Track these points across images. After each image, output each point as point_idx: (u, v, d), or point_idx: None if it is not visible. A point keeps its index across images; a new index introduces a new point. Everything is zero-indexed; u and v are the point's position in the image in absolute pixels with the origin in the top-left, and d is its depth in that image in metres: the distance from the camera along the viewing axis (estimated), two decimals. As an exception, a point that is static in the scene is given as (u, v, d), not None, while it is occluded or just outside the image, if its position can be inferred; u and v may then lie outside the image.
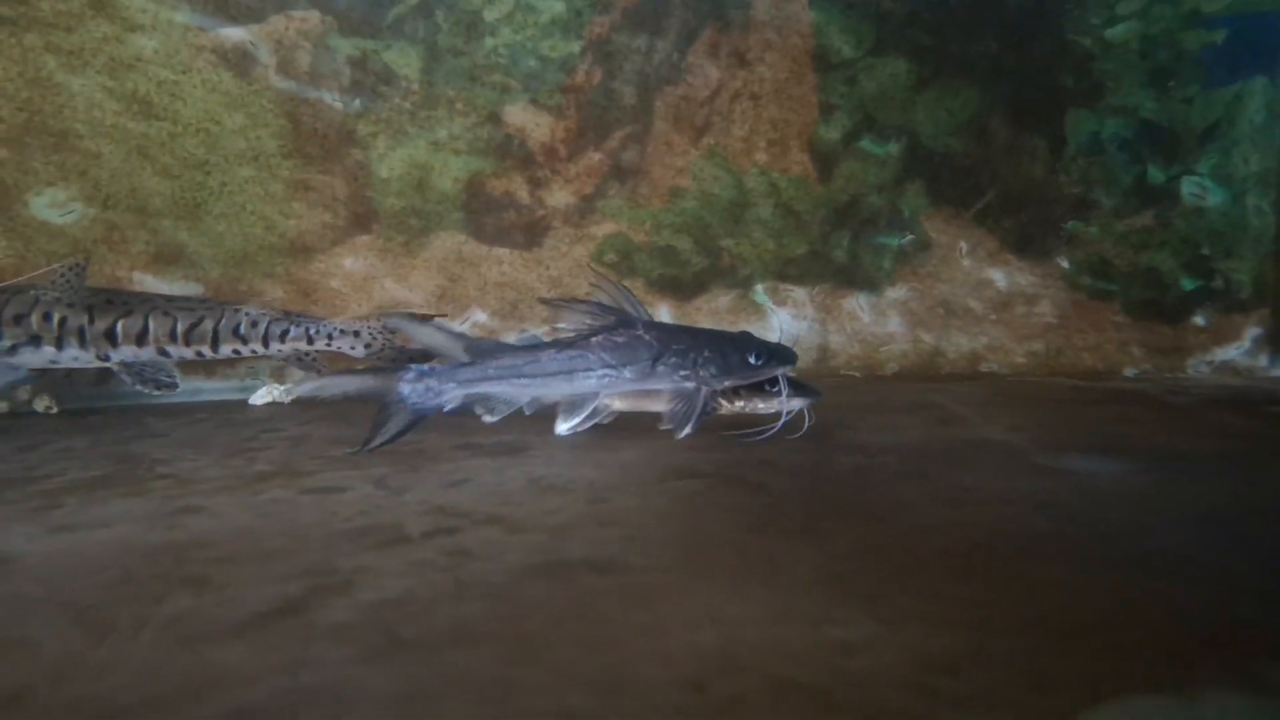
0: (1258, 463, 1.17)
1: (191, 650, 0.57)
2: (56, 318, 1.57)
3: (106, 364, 1.63)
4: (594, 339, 1.16)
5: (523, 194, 2.14)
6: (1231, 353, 2.06)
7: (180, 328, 1.65)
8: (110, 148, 1.95)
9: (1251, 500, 0.97)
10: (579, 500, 0.97)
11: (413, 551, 0.79)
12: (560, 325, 1.20)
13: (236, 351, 1.72)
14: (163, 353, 1.65)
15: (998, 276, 2.15)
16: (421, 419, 1.16)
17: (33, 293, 1.59)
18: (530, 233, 2.14)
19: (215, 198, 2.01)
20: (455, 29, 2.06)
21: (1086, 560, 0.75)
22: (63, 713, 0.49)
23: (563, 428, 1.22)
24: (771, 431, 1.24)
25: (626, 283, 2.17)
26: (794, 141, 2.14)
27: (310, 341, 1.76)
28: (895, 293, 2.15)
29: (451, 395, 1.16)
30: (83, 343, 1.59)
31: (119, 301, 1.65)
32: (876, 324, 2.17)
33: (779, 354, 1.20)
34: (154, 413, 1.69)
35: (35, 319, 1.56)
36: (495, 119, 2.10)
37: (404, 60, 2.06)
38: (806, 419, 1.25)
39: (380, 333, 1.79)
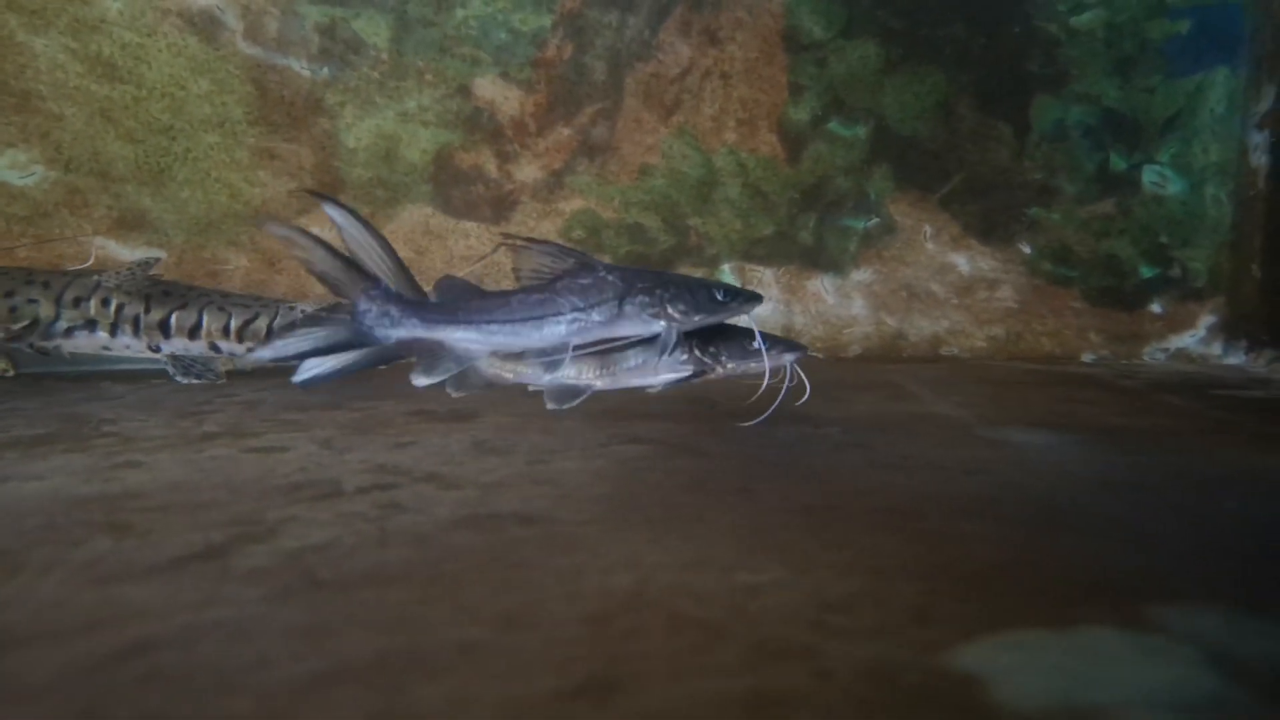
0: (1189, 438, 1.20)
1: (100, 589, 0.58)
2: (114, 304, 1.56)
3: (157, 355, 1.62)
4: (559, 283, 1.08)
5: (491, 168, 2.13)
6: (1186, 340, 2.09)
7: (234, 323, 1.63)
8: (73, 110, 1.93)
9: (1175, 469, 0.99)
10: (519, 461, 0.98)
11: (344, 504, 0.80)
12: (521, 270, 1.12)
13: None
14: (214, 348, 1.63)
15: (961, 261, 2.17)
16: (358, 347, 1.02)
17: (95, 278, 1.58)
18: (498, 207, 2.14)
19: (180, 164, 1.99)
20: (425, -1, 2.05)
21: (1002, 518, 0.77)
22: (-39, 639, 0.49)
23: (546, 378, 1.12)
24: (773, 410, 1.16)
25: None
26: (763, 122, 2.14)
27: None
28: (860, 275, 2.17)
29: (410, 331, 1.04)
30: (136, 332, 1.58)
31: (176, 293, 1.63)
32: (840, 306, 2.18)
33: (744, 294, 1.13)
34: (113, 377, 1.69)
35: (94, 304, 1.56)
36: (465, 91, 2.10)
37: (373, 29, 2.05)
38: (799, 377, 1.18)
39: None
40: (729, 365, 1.17)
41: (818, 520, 0.76)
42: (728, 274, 2.17)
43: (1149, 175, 2.06)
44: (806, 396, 1.19)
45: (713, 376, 1.22)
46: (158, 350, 1.61)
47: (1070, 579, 0.61)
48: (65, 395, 1.45)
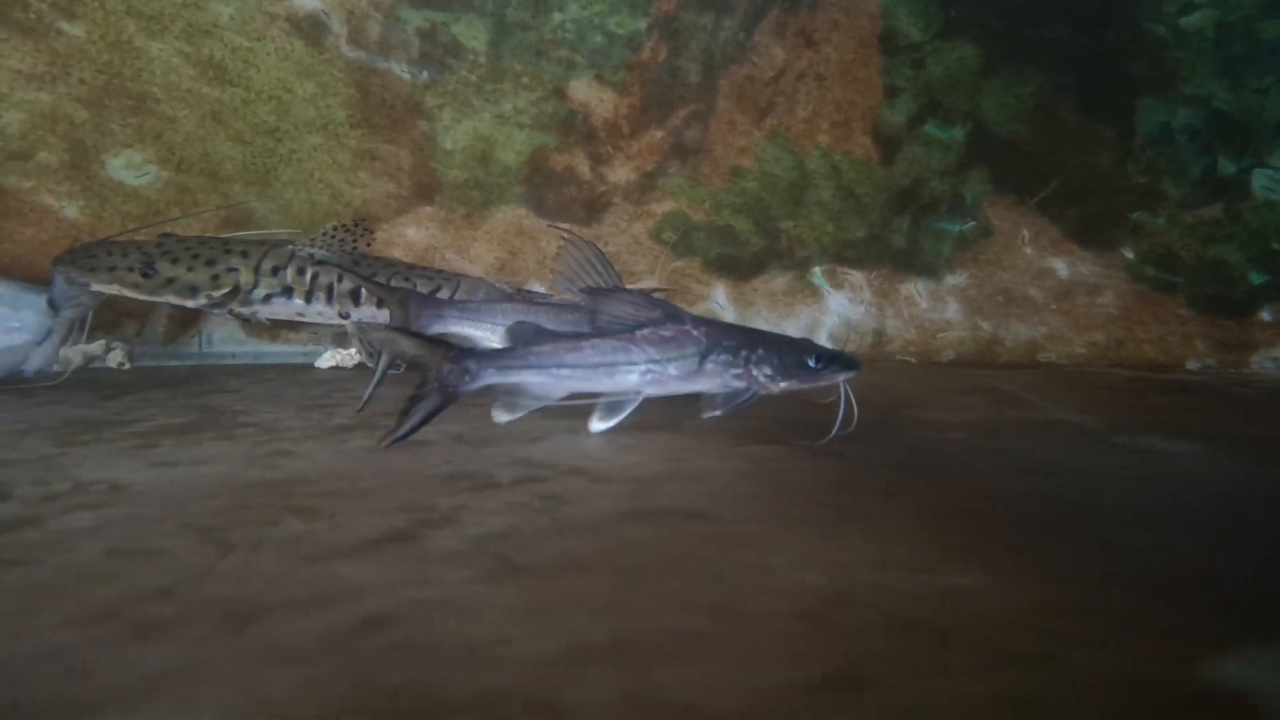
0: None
1: (315, 566, 0.59)
2: (310, 273, 1.62)
3: (344, 322, 1.67)
4: (639, 331, 1.08)
5: (584, 169, 2.15)
6: (1300, 350, 2.02)
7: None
8: (185, 112, 1.99)
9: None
10: (656, 459, 0.98)
11: (506, 495, 0.81)
12: (599, 315, 1.10)
13: None
14: None
15: (1060, 266, 2.12)
16: (450, 403, 1.04)
17: (289, 247, 1.64)
18: (591, 208, 2.15)
19: (285, 164, 2.04)
20: (524, 3, 2.07)
21: (1176, 527, 0.75)
22: (207, 608, 0.51)
23: (599, 427, 1.11)
24: (834, 434, 1.08)
25: (683, 262, 2.18)
26: (857, 124, 2.13)
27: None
28: (954, 279, 2.14)
29: (488, 380, 1.06)
30: (329, 299, 1.63)
31: (364, 263, 1.69)
32: (934, 310, 2.16)
33: (840, 360, 1.10)
34: (223, 372, 1.73)
35: (290, 272, 1.61)
36: (560, 94, 2.12)
37: (472, 33, 2.08)
38: (846, 397, 1.10)
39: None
40: (783, 384, 1.10)
41: (985, 526, 0.75)
42: (819, 276, 2.15)
43: (1260, 179, 2.00)
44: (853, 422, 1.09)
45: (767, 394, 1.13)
46: (347, 317, 1.66)
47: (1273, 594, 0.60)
48: (187, 388, 1.49)
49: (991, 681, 0.45)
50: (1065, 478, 0.93)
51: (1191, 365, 2.05)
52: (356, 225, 1.66)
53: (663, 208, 2.16)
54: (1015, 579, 0.61)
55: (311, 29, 2.03)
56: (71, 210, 1.94)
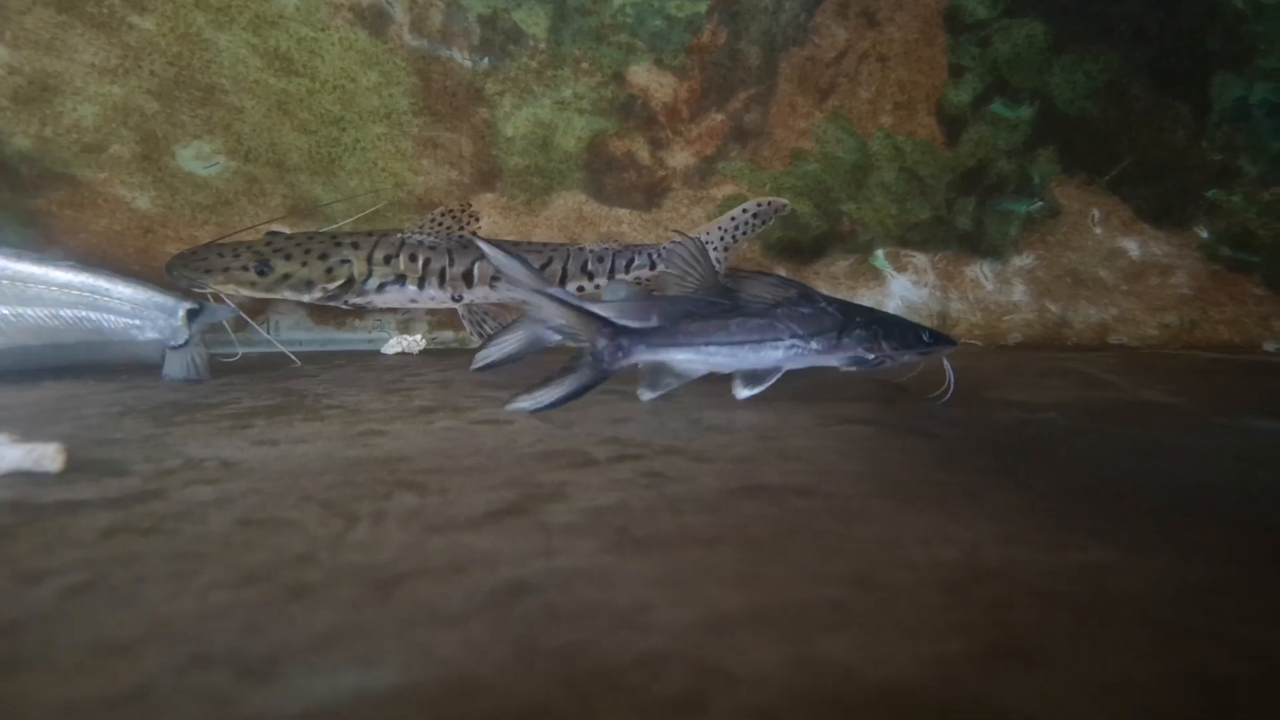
0: None
1: (441, 536, 0.60)
2: (422, 259, 1.64)
3: (456, 304, 1.69)
4: (779, 310, 1.16)
5: (644, 154, 2.14)
6: (1385, 330, 1.95)
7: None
8: (252, 103, 2.01)
9: None
10: (749, 439, 0.98)
11: (607, 472, 0.80)
12: (744, 293, 1.19)
13: (581, 288, 1.75)
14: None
15: (1131, 246, 2.07)
16: (604, 379, 1.09)
17: (399, 235, 1.66)
18: (650, 193, 2.15)
19: (349, 153, 2.06)
20: (584, -12, 2.07)
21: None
22: (350, 573, 0.52)
23: (744, 393, 1.16)
24: (948, 390, 1.21)
25: (744, 245, 2.17)
26: (921, 104, 2.09)
27: (653, 267, 1.79)
28: (1021, 260, 2.10)
29: (638, 357, 1.12)
30: (442, 283, 1.65)
31: (472, 245, 1.71)
32: (1000, 292, 2.12)
33: (943, 339, 1.23)
34: (302, 359, 1.76)
35: (403, 259, 1.64)
36: (619, 79, 2.11)
37: (532, 19, 2.08)
38: (947, 372, 1.23)
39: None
40: (901, 357, 1.21)
41: (1104, 505, 0.73)
42: (881, 259, 2.13)
43: (1345, 155, 1.93)
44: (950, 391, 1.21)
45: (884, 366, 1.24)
46: (460, 299, 1.68)
47: None
48: (264, 373, 1.51)
49: (1170, 659, 0.44)
50: (1172, 458, 0.90)
51: (1269, 346, 1.99)
52: (463, 210, 1.68)
53: (723, 191, 2.14)
54: (1155, 557, 0.59)
55: (375, 18, 2.04)
56: (143, 201, 1.98)
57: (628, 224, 2.14)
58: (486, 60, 2.09)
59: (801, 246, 2.14)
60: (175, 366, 1.45)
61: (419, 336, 1.94)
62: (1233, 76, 1.99)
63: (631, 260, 1.76)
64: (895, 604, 0.50)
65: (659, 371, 1.15)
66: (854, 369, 1.19)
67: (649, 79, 2.12)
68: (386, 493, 0.70)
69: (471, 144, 2.12)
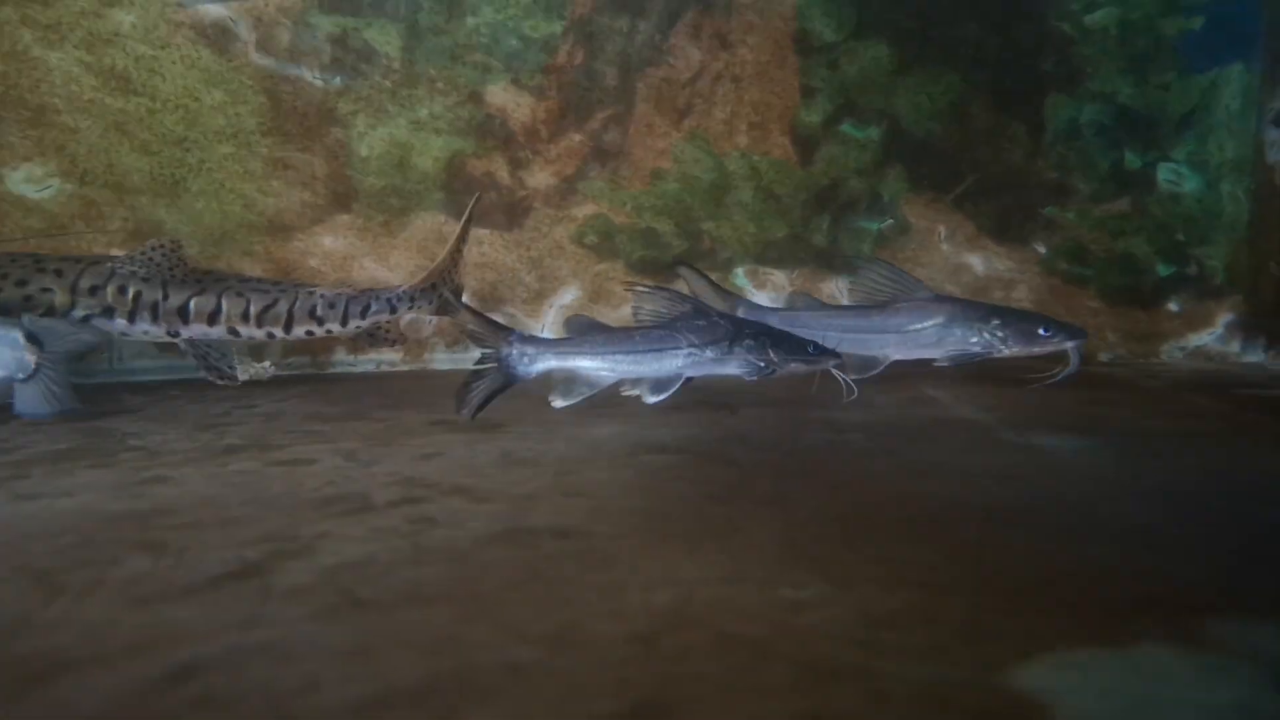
0: (1219, 440, 1.19)
1: (143, 610, 0.58)
2: (132, 291, 1.56)
3: (175, 340, 1.62)
4: (678, 322, 1.27)
5: (504, 174, 2.13)
6: (1205, 338, 2.08)
7: (254, 309, 1.63)
8: (88, 123, 1.93)
9: (1207, 473, 0.99)
10: (547, 473, 0.98)
11: (377, 519, 0.79)
12: (641, 310, 1.30)
13: (310, 332, 1.71)
14: (233, 332, 1.64)
15: (976, 261, 2.16)
16: (510, 385, 1.21)
17: (109, 265, 1.57)
18: (511, 213, 2.14)
19: (194, 175, 2.00)
20: (436, 7, 2.05)
21: (1040, 528, 0.76)
22: (13, 665, 0.49)
23: (651, 399, 1.27)
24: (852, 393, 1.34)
25: (606, 265, 2.18)
26: (775, 125, 2.14)
27: (393, 311, 1.74)
28: (875, 276, 2.16)
29: (545, 365, 1.23)
30: (155, 318, 1.58)
31: (193, 280, 1.63)
32: (856, 308, 2.17)
33: (827, 350, 1.34)
34: (130, 389, 1.69)
35: (110, 291, 1.55)
36: (476, 99, 2.10)
37: (385, 38, 2.05)
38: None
39: (448, 283, 1.80)
40: (787, 365, 1.30)
41: (852, 531, 0.76)
42: (742, 277, 2.16)
43: (1164, 173, 2.05)
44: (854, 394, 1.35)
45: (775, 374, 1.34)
46: (176, 335, 1.61)
47: (1121, 593, 0.61)
48: (85, 408, 1.44)
49: (798, 699, 0.45)
50: (946, 479, 0.94)
51: (1103, 357, 2.10)
52: (173, 244, 1.60)
53: (584, 211, 2.15)
54: (858, 588, 0.61)
55: (218, 36, 1.98)
56: (-32, 227, 1.88)
57: (489, 244, 2.13)
58: (338, 79, 2.05)
59: (663, 265, 2.16)
60: (30, 401, 1.35)
61: (267, 363, 1.89)
62: (1064, 98, 2.09)
63: (368, 306, 1.72)
64: (577, 663, 0.50)
65: (570, 380, 1.25)
66: (754, 378, 1.29)
67: (507, 99, 2.11)
68: (117, 556, 0.68)
69: (325, 164, 2.07)
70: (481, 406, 1.19)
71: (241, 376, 1.85)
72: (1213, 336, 2.09)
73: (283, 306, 1.64)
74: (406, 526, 0.77)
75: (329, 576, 0.64)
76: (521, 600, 0.60)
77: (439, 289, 1.78)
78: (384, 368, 2.09)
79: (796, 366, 1.30)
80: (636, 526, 0.78)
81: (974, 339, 1.54)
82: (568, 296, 2.15)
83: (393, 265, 2.10)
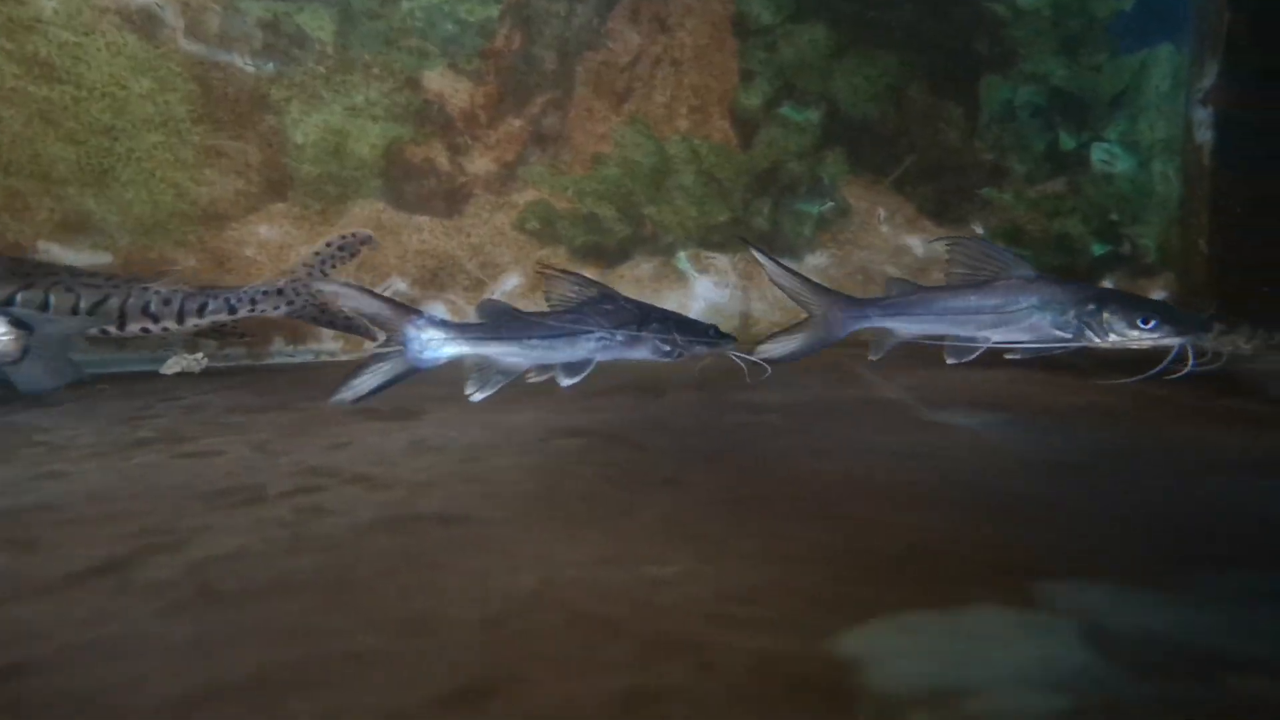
0: (1127, 415, 1.21)
1: (-4, 606, 0.57)
2: None
3: None
4: (588, 306, 1.27)
5: (443, 161, 2.11)
6: (1138, 316, 2.11)
7: (83, 304, 1.60)
8: (11, 112, 1.88)
9: (1105, 447, 1.00)
10: (452, 460, 0.97)
11: (264, 510, 0.79)
12: (552, 294, 1.30)
13: (145, 330, 1.68)
14: None
15: (915, 243, 2.17)
16: (413, 373, 1.16)
17: None
18: (451, 200, 2.12)
19: (123, 164, 1.96)
20: (369, -9, 2.02)
21: (926, 501, 0.77)
22: None
23: (566, 382, 1.26)
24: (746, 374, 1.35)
25: (548, 251, 2.17)
26: (715, 108, 2.14)
27: (233, 312, 1.71)
28: (816, 259, 2.17)
29: (454, 350, 1.18)
30: None
31: (20, 272, 1.59)
32: (798, 291, 2.18)
33: (727, 337, 1.37)
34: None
35: None
36: (413, 84, 2.07)
37: (317, 23, 2.02)
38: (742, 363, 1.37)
39: (304, 290, 1.75)
40: (692, 348, 1.33)
41: (741, 510, 0.76)
42: (684, 261, 2.16)
43: (1098, 153, 2.07)
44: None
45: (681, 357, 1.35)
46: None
47: (977, 560, 0.62)
48: (14, 403, 1.42)
49: (627, 677, 0.46)
50: (849, 457, 0.95)
51: (1040, 335, 2.12)
52: None
53: (525, 197, 2.14)
54: (725, 565, 0.62)
55: (145, 22, 1.94)
56: (-115, 220, 1.83)
57: (429, 232, 2.11)
58: (271, 65, 2.02)
59: (606, 250, 2.15)
60: (32, 379, 1.35)
61: (200, 355, 1.86)
62: (999, 79, 2.10)
63: (205, 305, 1.68)
64: (422, 648, 0.50)
65: (485, 368, 1.21)
66: (662, 360, 1.31)
67: (444, 84, 2.09)
68: (-16, 552, 0.67)
69: (259, 152, 2.04)
70: (372, 393, 1.14)
71: (172, 369, 1.83)
72: (1145, 314, 2.11)
73: (114, 302, 1.61)
74: (292, 517, 0.76)
75: (193, 570, 0.63)
76: (386, 588, 0.60)
77: (286, 294, 1.73)
78: (324, 358, 2.07)
79: (699, 349, 1.33)
80: (525, 511, 0.77)
81: (1061, 324, 1.34)
82: (510, 283, 2.14)
83: (330, 254, 2.08)
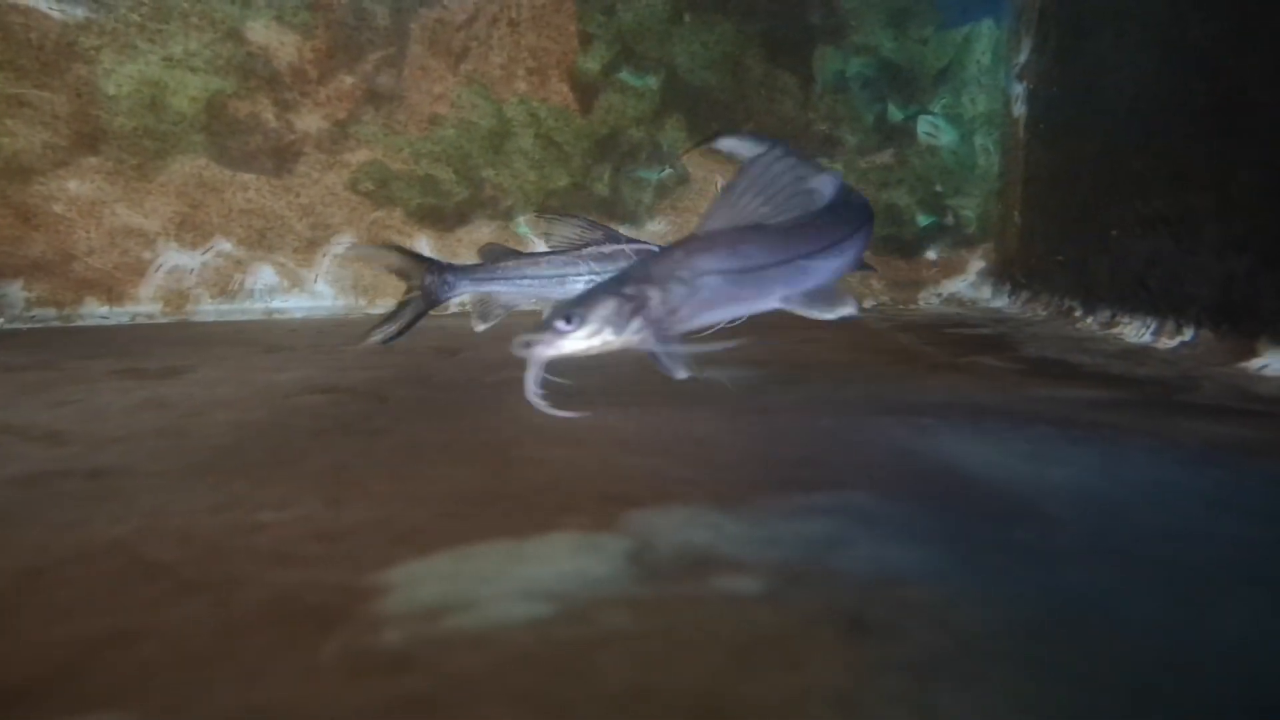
0: (870, 368, 1.26)
1: None
2: None
3: None
4: (585, 250, 1.31)
5: (270, 117, 2.05)
6: (959, 285, 2.19)
7: None
8: None
9: (822, 396, 1.03)
10: (172, 416, 0.95)
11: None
12: (551, 236, 1.35)
13: None
14: None
15: (752, 211, 2.20)
16: (431, 308, 1.30)
17: None
18: (279, 158, 2.06)
19: (-90, 112, 1.84)
20: (183, -64, 1.93)
21: (611, 445, 0.78)
22: None
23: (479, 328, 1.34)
24: None
25: (382, 213, 2.13)
26: (554, 71, 2.12)
27: None
28: (655, 226, 2.18)
29: (463, 289, 1.31)
30: None
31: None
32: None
33: None
34: None
35: None
36: (236, 36, 2.00)
37: (127, -32, 1.93)
38: None
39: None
40: None
41: (415, 457, 0.76)
42: (524, 226, 2.15)
43: (923, 126, 2.13)
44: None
45: None
46: None
47: (594, 492, 0.63)
48: None
49: (129, 617, 0.45)
50: (565, 407, 0.96)
51: (867, 304, 2.19)
52: None
53: (358, 157, 2.09)
54: (345, 507, 0.62)
55: (-67, -41, 1.82)
56: None
57: (255, 190, 2.05)
58: (80, 10, 1.92)
59: (444, 213, 2.12)
60: None
61: (-5, 315, 1.78)
62: (832, 49, 2.14)
63: None
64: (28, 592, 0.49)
65: (486, 303, 1.33)
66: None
67: (270, 37, 2.02)
68: None
69: (67, 103, 1.95)
70: (400, 333, 1.28)
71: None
72: (965, 283, 2.20)
73: None
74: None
75: None
76: (39, 532, 0.58)
77: None
78: (139, 320, 1.99)
79: None
80: (199, 464, 0.76)
81: None
82: (342, 245, 2.09)
83: (148, 211, 2.00)
